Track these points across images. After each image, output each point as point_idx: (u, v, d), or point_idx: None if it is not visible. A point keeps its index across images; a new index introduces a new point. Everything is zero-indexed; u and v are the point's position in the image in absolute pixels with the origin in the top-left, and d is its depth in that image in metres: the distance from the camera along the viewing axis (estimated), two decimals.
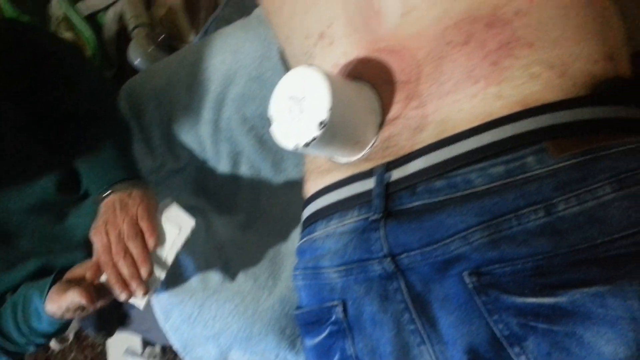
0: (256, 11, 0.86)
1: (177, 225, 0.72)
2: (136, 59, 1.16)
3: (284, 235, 0.85)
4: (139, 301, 0.70)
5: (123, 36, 1.31)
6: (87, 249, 0.74)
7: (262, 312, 0.75)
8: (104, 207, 0.72)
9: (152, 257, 0.68)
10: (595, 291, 0.38)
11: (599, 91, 0.44)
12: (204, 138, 0.86)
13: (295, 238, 0.84)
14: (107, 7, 1.33)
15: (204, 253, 0.81)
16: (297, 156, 0.86)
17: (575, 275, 0.39)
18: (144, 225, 0.69)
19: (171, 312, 0.77)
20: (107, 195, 0.73)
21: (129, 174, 0.75)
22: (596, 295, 0.38)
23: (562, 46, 0.44)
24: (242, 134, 0.86)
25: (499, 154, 0.43)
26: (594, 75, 0.45)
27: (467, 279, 0.42)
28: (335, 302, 0.52)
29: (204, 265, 0.79)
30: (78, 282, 0.67)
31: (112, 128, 0.81)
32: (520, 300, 0.40)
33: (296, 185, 0.89)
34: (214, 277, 0.78)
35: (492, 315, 0.42)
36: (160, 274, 0.71)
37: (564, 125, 0.42)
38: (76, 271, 0.71)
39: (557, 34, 0.45)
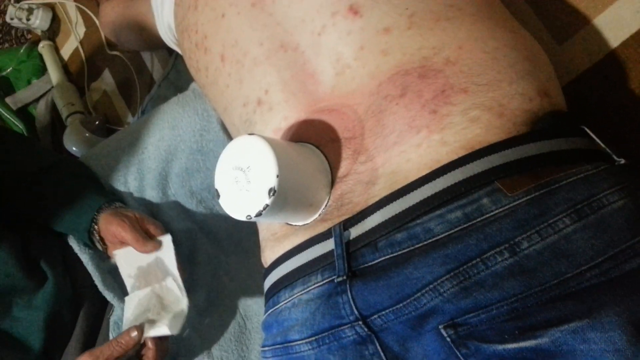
0: (192, 85, 0.86)
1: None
2: (72, 147, 1.13)
3: (247, 311, 0.81)
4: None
5: (59, 125, 1.28)
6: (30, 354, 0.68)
7: None
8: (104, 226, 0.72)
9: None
10: (575, 327, 0.37)
11: (539, 127, 0.46)
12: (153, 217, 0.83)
13: (259, 312, 0.81)
14: (38, 99, 1.31)
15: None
16: (251, 225, 0.84)
17: (552, 314, 0.38)
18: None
19: None
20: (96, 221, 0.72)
21: (106, 197, 0.76)
22: (576, 332, 0.37)
23: (496, 88, 0.46)
24: (191, 209, 0.83)
25: (454, 199, 0.42)
26: (531, 113, 0.46)
27: (444, 333, 0.41)
28: None
29: None
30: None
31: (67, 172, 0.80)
32: (501, 347, 0.39)
33: (254, 255, 0.86)
34: None
35: None
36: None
37: (511, 163, 0.42)
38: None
39: (489, 77, 0.46)
